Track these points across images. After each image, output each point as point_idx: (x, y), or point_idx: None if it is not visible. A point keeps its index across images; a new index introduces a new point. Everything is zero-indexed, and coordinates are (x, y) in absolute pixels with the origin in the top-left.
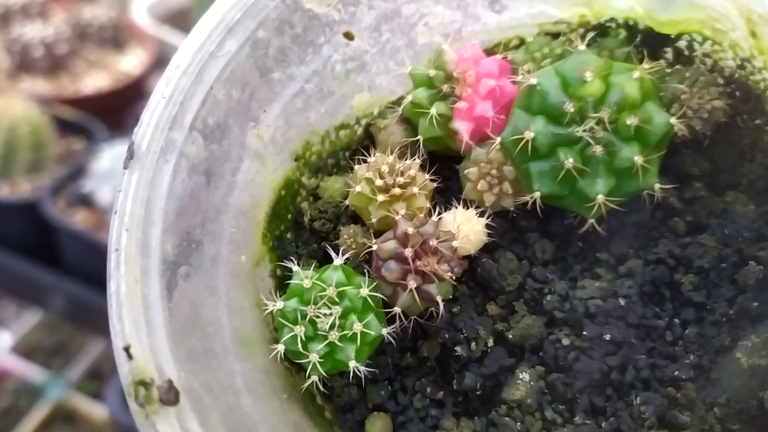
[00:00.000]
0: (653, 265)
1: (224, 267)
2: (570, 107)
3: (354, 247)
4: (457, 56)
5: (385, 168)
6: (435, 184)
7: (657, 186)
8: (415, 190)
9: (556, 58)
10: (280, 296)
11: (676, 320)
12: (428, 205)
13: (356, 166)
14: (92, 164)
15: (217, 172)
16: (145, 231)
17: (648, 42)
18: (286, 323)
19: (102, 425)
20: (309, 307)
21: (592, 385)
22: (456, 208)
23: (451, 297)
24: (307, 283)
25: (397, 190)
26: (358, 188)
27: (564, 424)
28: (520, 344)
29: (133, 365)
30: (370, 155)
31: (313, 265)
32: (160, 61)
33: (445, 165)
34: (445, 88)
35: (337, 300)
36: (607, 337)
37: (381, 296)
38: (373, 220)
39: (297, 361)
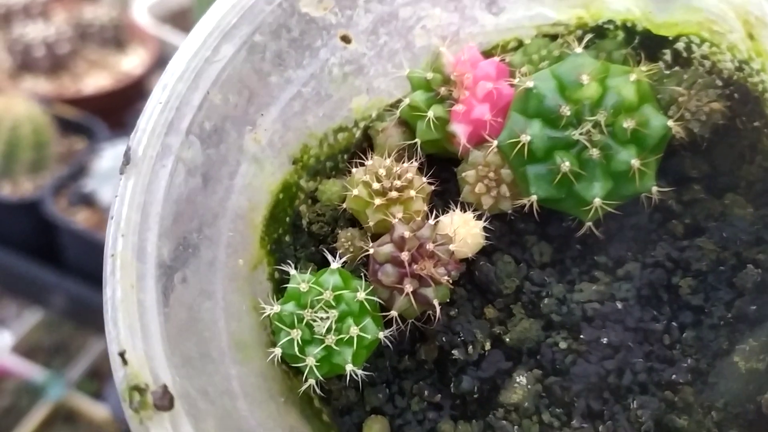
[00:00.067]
0: (651, 268)
1: (221, 271)
2: (566, 110)
3: (351, 250)
4: (455, 59)
5: (382, 171)
6: (433, 187)
7: (654, 189)
8: (412, 193)
9: (554, 60)
10: (278, 300)
11: (673, 324)
12: (425, 208)
13: (354, 170)
14: (94, 163)
15: (215, 176)
16: (141, 236)
17: (646, 44)
18: (283, 327)
19: (102, 425)
20: (306, 310)
21: (589, 388)
22: (454, 211)
23: (448, 300)
24: (304, 287)
25: (394, 194)
26: (355, 192)
27: (561, 428)
28: (518, 347)
29: (128, 370)
30: (368, 158)
31: (311, 269)
32: (161, 61)
33: (443, 168)
34: (443, 90)
35: (333, 304)
36: (605, 340)
37: (378, 300)
38: (371, 224)
39: (294, 365)
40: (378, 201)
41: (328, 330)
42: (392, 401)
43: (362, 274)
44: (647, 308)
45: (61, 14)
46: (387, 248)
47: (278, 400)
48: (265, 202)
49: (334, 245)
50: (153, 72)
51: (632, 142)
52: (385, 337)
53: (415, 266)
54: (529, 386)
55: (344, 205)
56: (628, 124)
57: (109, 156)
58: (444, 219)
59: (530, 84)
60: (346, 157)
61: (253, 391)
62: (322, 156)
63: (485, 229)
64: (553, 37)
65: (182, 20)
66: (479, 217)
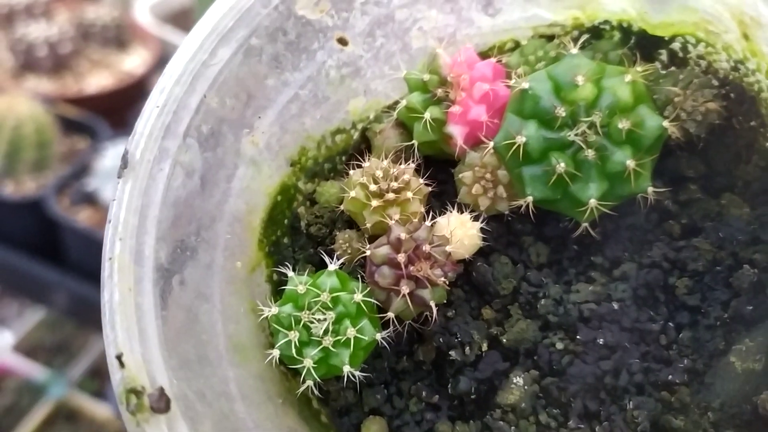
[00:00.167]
0: (647, 268)
1: (219, 274)
2: (562, 111)
3: (349, 252)
4: (452, 60)
5: (379, 173)
6: (430, 189)
7: (650, 189)
8: (409, 194)
9: (551, 60)
10: (276, 302)
11: (670, 324)
12: (422, 209)
13: (351, 171)
14: (96, 163)
15: (212, 179)
16: (139, 240)
17: (642, 44)
18: (281, 329)
19: (103, 424)
20: (303, 312)
21: (585, 389)
22: (451, 212)
23: (445, 301)
24: (301, 289)
25: (391, 195)
26: (352, 193)
27: (558, 428)
28: (515, 348)
29: (125, 373)
30: (365, 160)
31: (309, 270)
32: (162, 61)
33: (440, 169)
34: (440, 92)
35: (331, 305)
36: (601, 341)
37: (375, 301)
38: (368, 225)
39: (292, 366)
40: (375, 203)
41: (326, 331)
42: (390, 402)
43: (360, 275)
44: (644, 309)
45: (63, 14)
46: (384, 250)
47: (276, 402)
48: (263, 205)
49: (332, 247)
50: (155, 72)
51: (628, 142)
52: (382, 338)
53: (411, 268)
54: (526, 387)
55: (342, 207)
56: (623, 124)
57: (111, 155)
58: (441, 220)
59: (526, 85)
60: (343, 158)
61: (250, 392)
62: (319, 158)
63: (482, 230)
64: (550, 38)
65: (184, 20)
66: (476, 218)
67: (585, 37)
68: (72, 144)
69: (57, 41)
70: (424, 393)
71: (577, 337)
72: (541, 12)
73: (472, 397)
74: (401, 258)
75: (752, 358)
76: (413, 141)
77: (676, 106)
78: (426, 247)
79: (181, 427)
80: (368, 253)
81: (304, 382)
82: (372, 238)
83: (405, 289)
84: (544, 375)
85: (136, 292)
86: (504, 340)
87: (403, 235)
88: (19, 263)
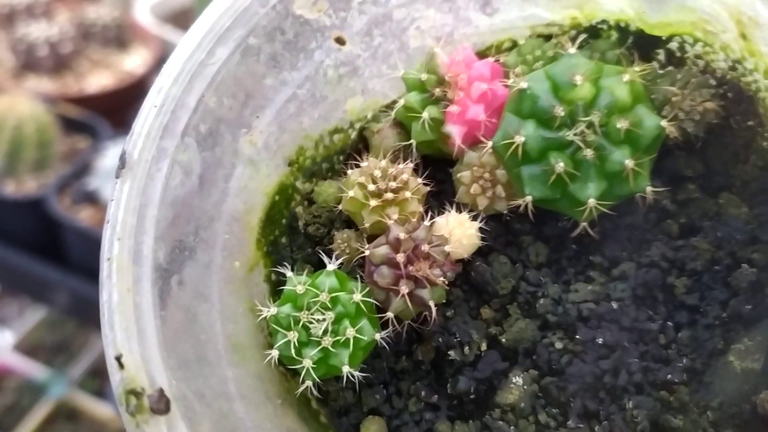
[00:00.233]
0: (646, 268)
1: (218, 273)
2: (560, 111)
3: (348, 251)
4: (449, 59)
5: (377, 173)
6: (428, 188)
7: (648, 189)
8: (408, 194)
9: (549, 60)
10: (275, 302)
11: (669, 323)
12: (421, 209)
13: (349, 171)
14: (97, 162)
15: (210, 179)
16: (137, 239)
17: (640, 44)
18: (280, 329)
19: (104, 423)
20: (302, 312)
21: (585, 388)
22: (449, 212)
23: (444, 301)
24: (300, 289)
25: (389, 195)
26: (350, 193)
27: (557, 428)
28: (514, 348)
29: (125, 374)
30: (363, 159)
31: (307, 270)
32: (163, 61)
33: (438, 169)
34: (438, 91)
35: (330, 305)
36: (600, 340)
37: (374, 301)
38: (366, 225)
39: (291, 367)
40: (373, 202)
41: (325, 332)
42: (389, 402)
43: (358, 275)
44: (642, 308)
45: (64, 14)
46: (382, 250)
47: (275, 402)
48: (261, 204)
49: (331, 247)
50: (155, 71)
51: (626, 142)
52: (381, 338)
53: (410, 267)
54: (525, 386)
55: (340, 207)
56: (621, 124)
57: (112, 154)
58: (439, 220)
59: (524, 85)
60: (341, 158)
61: (249, 393)
62: (317, 157)
63: (481, 229)
64: (547, 38)
65: (184, 20)
66: (475, 218)
67: (583, 36)
68: (73, 143)
69: (58, 41)
70: (423, 393)
71: (576, 336)
72: (539, 11)
73: (472, 396)
74: (400, 258)
75: (751, 358)
76: (411, 140)
77: (674, 106)
78: (425, 247)
79: (180, 427)
80: (367, 253)
81: (303, 382)
82: (370, 238)
83: (404, 288)
84: (544, 374)
85: (134, 293)
86: (503, 340)
87: (401, 235)
88: (20, 262)
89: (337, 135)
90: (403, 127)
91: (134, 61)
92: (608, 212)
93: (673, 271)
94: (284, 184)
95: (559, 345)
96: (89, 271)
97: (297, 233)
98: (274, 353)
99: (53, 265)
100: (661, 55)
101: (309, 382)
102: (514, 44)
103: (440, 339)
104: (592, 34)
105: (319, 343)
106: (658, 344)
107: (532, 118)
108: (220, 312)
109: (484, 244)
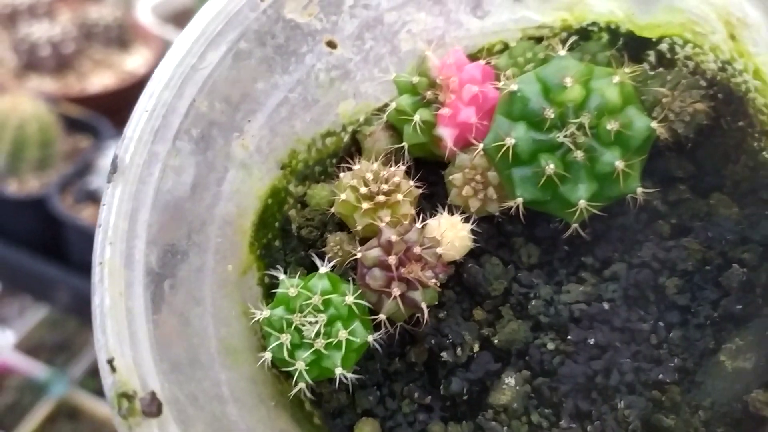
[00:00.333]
0: (637, 268)
1: (210, 277)
2: (551, 113)
3: (340, 254)
4: (441, 62)
5: (369, 175)
6: (420, 191)
7: (639, 190)
8: (400, 197)
9: (539, 62)
10: (267, 304)
11: (660, 324)
12: (413, 211)
13: (341, 174)
14: (99, 161)
15: (202, 183)
16: (129, 244)
17: (630, 45)
18: (273, 331)
19: (105, 422)
20: (295, 315)
21: (577, 389)
22: (441, 214)
23: (436, 303)
24: (293, 292)
25: (381, 198)
26: (343, 196)
27: (550, 428)
28: (506, 349)
29: (117, 378)
30: (355, 162)
31: (300, 273)
32: None
33: (430, 171)
34: (429, 94)
35: (322, 308)
36: (592, 341)
37: (366, 303)
38: (359, 228)
39: (284, 369)
40: (365, 205)
41: (317, 334)
42: (383, 403)
43: (351, 278)
44: (634, 308)
45: (66, 14)
46: (374, 252)
47: (268, 404)
48: (254, 208)
49: (323, 249)
50: None
51: (616, 143)
52: (374, 340)
53: (402, 270)
54: (517, 387)
55: (333, 210)
56: (611, 125)
57: (113, 154)
58: (431, 222)
59: (515, 87)
60: (334, 161)
61: (242, 395)
62: (310, 161)
63: (473, 231)
64: (538, 40)
65: (185, 20)
66: (467, 220)
67: (573, 38)
68: (75, 143)
69: (60, 41)
70: (416, 394)
71: (568, 337)
72: (530, 14)
73: (464, 397)
74: (392, 260)
75: (742, 357)
76: (403, 143)
77: (665, 107)
78: (417, 249)
79: (172, 430)
80: (359, 255)
81: (296, 384)
82: (363, 241)
83: (396, 291)
84: (536, 375)
85: (126, 296)
86: (495, 341)
87: (393, 238)
88: (22, 261)
89: (330, 138)
90: (395, 129)
91: (136, 61)
92: (599, 213)
93: (665, 272)
94: (277, 188)
95: (551, 346)
96: (91, 269)
97: (290, 236)
98: (267, 356)
99: (55, 264)
100: (652, 56)
101: (302, 384)
102: (505, 47)
103: (433, 340)
104: (582, 36)
105: (311, 346)
106: (649, 344)
107: (522, 121)
108: (213, 315)
109: (476, 245)
